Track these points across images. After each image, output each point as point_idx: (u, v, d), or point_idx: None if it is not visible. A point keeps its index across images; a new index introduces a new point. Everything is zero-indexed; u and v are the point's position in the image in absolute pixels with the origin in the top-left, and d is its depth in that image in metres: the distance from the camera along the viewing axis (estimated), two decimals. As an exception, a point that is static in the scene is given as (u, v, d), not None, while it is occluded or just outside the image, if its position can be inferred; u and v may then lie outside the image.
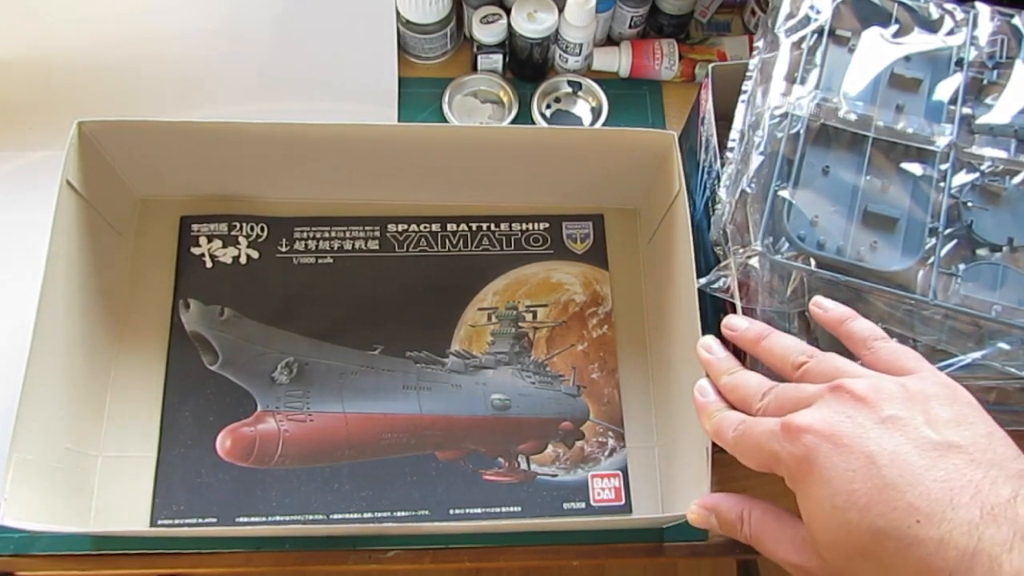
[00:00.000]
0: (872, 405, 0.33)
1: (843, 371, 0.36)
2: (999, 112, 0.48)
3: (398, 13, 0.66)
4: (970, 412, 0.34)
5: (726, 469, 0.57)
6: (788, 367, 0.39)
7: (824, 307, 0.42)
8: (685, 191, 0.53)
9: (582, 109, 0.70)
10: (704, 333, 0.46)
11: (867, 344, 0.39)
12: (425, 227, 0.63)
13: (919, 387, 0.34)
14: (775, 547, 0.36)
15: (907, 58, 0.49)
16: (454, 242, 0.63)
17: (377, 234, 0.63)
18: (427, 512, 0.55)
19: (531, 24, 0.65)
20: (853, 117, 0.47)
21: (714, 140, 0.52)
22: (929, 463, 0.31)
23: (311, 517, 0.54)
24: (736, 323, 0.43)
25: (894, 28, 0.50)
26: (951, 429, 0.32)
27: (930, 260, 0.44)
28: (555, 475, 0.56)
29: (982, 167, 0.46)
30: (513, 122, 0.68)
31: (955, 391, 0.35)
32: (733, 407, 0.40)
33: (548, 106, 0.70)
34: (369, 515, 0.54)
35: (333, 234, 0.63)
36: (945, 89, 0.49)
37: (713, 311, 0.54)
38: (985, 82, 0.49)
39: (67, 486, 0.51)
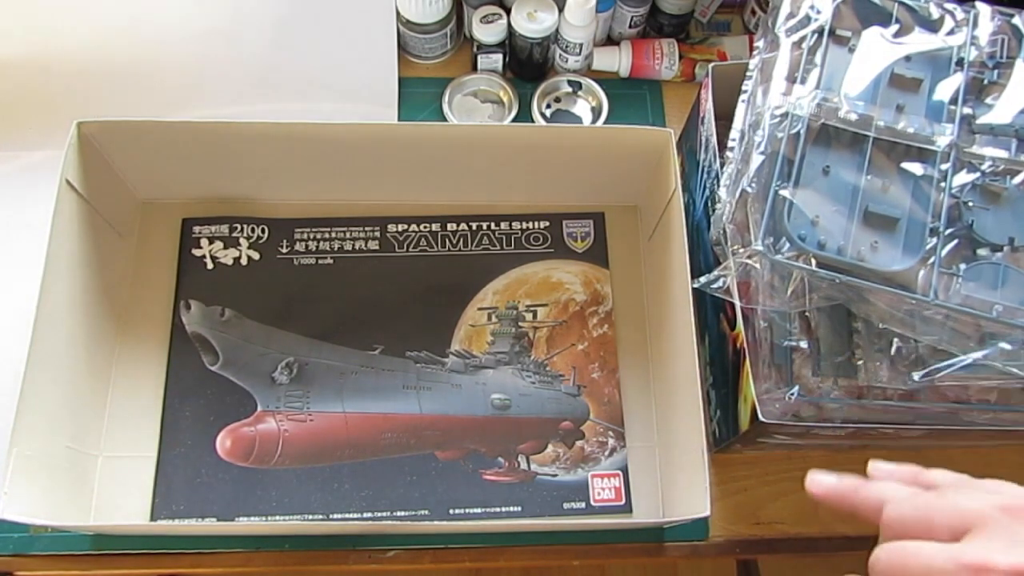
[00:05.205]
0: None
1: (996, 490, 0.32)
2: (999, 112, 0.48)
3: (398, 13, 0.66)
4: None
5: (726, 469, 0.57)
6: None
7: (822, 481, 0.35)
8: (681, 188, 0.53)
9: (582, 109, 0.70)
10: (701, 333, 0.46)
11: (936, 488, 0.33)
12: (425, 227, 0.63)
13: None
14: None
15: (907, 58, 0.49)
16: (454, 242, 0.63)
17: (377, 234, 0.63)
18: (427, 512, 0.55)
19: (531, 24, 0.65)
20: (854, 117, 0.47)
21: (714, 140, 0.52)
22: None
23: (311, 517, 0.54)
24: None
25: (894, 28, 0.50)
26: None
27: (931, 260, 0.44)
28: (555, 475, 0.56)
29: (983, 167, 0.46)
30: (513, 122, 0.68)
31: None
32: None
33: (548, 106, 0.70)
34: (369, 515, 0.54)
35: (333, 235, 0.63)
36: (945, 89, 0.49)
37: (713, 311, 0.54)
38: (985, 82, 0.49)
39: (67, 484, 0.51)
